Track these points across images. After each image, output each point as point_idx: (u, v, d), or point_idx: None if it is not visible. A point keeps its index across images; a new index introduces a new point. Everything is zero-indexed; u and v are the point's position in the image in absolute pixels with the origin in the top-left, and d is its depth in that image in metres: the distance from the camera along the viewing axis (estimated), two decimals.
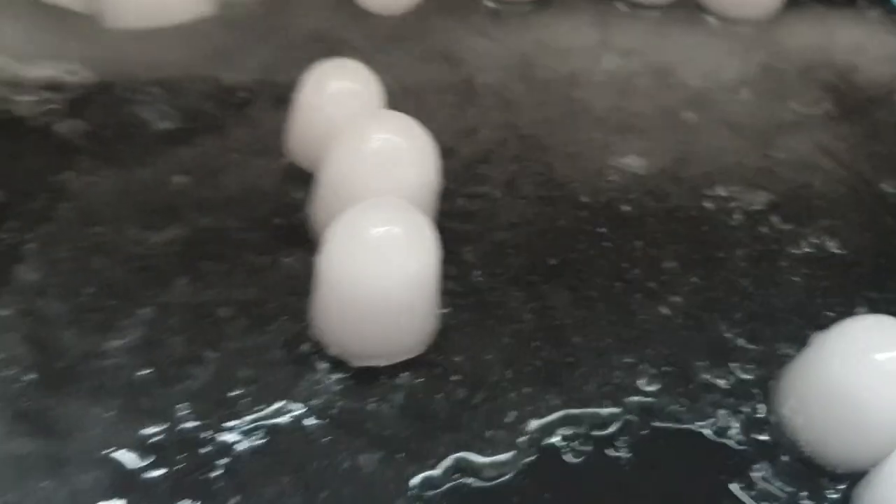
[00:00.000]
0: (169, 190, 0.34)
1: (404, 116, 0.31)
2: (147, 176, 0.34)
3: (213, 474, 0.26)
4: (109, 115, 0.36)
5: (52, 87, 0.37)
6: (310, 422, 0.27)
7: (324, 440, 0.27)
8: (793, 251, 0.34)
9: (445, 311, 0.31)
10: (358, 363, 0.29)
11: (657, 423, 0.28)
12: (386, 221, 0.27)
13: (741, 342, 0.31)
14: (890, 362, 0.26)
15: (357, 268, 0.27)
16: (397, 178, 0.29)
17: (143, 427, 0.27)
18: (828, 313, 0.32)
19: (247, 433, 0.27)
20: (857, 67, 0.43)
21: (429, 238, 0.28)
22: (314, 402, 0.28)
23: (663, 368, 0.30)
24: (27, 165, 0.34)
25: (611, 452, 0.27)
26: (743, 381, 0.30)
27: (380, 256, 0.27)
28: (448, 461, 0.27)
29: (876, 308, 0.32)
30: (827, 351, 0.27)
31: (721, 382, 0.29)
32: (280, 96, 0.37)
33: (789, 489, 0.27)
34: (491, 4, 0.44)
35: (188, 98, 0.37)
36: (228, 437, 0.27)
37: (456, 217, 0.34)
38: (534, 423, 0.28)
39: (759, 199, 0.36)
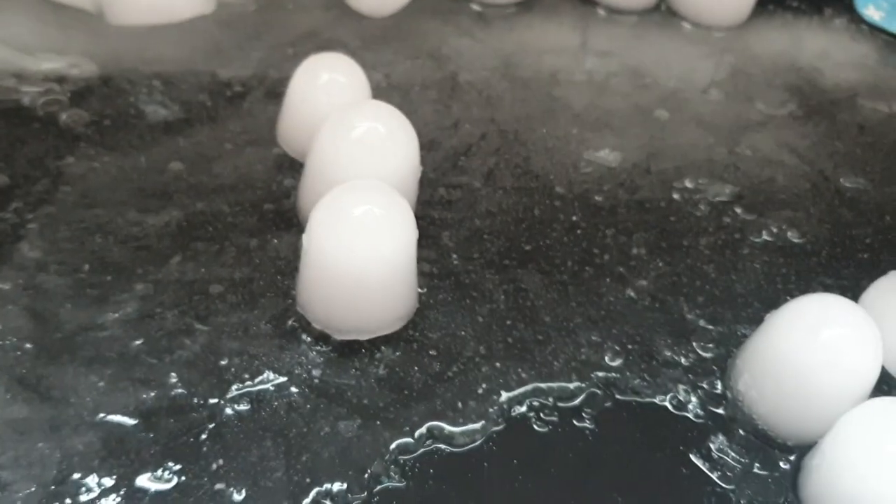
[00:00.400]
0: (165, 176, 0.35)
1: (386, 105, 0.32)
2: (144, 162, 0.36)
3: (201, 438, 0.27)
4: (110, 105, 0.38)
5: (56, 79, 0.38)
6: (293, 390, 0.29)
7: (306, 408, 0.28)
8: (754, 240, 0.36)
9: (423, 290, 0.32)
10: (340, 337, 0.30)
11: (620, 397, 0.30)
12: (367, 202, 0.29)
13: (702, 323, 0.32)
14: (834, 338, 0.27)
15: (339, 245, 0.28)
16: (379, 163, 0.31)
17: (136, 394, 0.28)
18: (785, 297, 0.33)
19: (233, 400, 0.28)
20: (822, 72, 0.45)
21: (407, 218, 0.29)
22: (298, 372, 0.29)
23: (628, 346, 0.31)
24: (30, 151, 0.36)
25: (576, 423, 0.29)
26: (703, 358, 0.31)
27: (361, 235, 0.28)
28: (422, 429, 0.28)
29: (831, 293, 0.34)
30: (777, 328, 0.28)
31: (682, 360, 0.31)
32: (272, 90, 0.39)
33: (744, 460, 0.29)
34: (476, 7, 0.45)
35: (185, 91, 0.39)
36: (215, 404, 0.28)
37: (437, 205, 0.36)
38: (504, 395, 0.29)
39: (725, 192, 0.38)
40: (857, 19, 0.48)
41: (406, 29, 0.43)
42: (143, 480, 0.26)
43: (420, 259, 0.33)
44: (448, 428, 0.28)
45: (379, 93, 0.37)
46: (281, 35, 0.42)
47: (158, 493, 0.26)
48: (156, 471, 0.27)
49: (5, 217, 0.33)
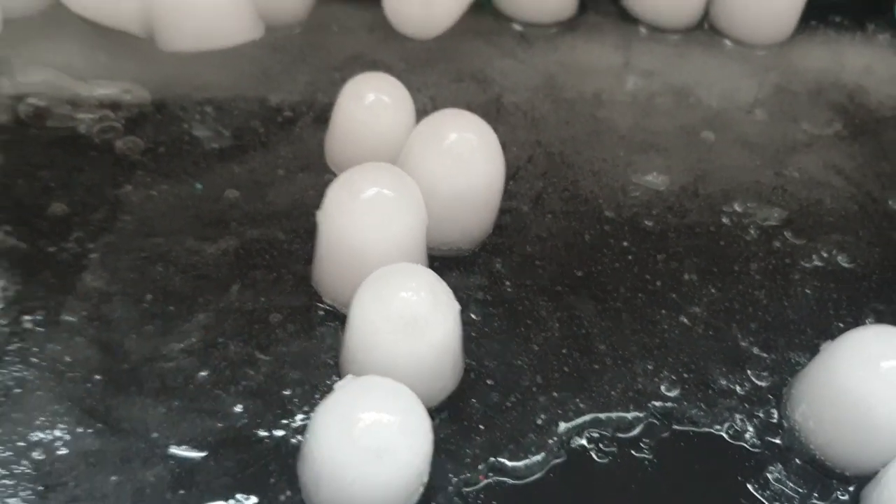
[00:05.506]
0: (221, 203, 0.36)
1: (473, 115, 0.33)
2: (200, 190, 0.36)
3: (269, 469, 0.28)
4: (164, 132, 0.38)
5: (110, 105, 0.39)
6: None
7: None
8: (805, 265, 0.36)
9: (478, 318, 0.33)
10: None
11: (678, 427, 0.30)
12: (376, 183, 0.30)
13: (756, 350, 0.33)
14: (894, 370, 0.28)
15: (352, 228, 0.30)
16: (468, 174, 0.32)
17: (202, 425, 0.29)
18: (837, 324, 0.34)
19: (298, 430, 0.29)
20: (867, 89, 0.44)
21: (416, 199, 0.30)
22: None
23: (684, 375, 0.32)
24: (88, 180, 0.36)
25: (635, 454, 0.30)
26: (758, 387, 0.32)
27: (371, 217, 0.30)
28: (484, 462, 0.29)
29: (883, 319, 0.34)
30: (836, 359, 0.29)
31: (737, 389, 0.31)
32: (321, 115, 0.40)
33: (801, 490, 0.29)
34: (519, 28, 0.46)
35: (237, 117, 0.39)
36: (281, 436, 0.29)
37: None
38: (562, 426, 0.30)
39: (773, 216, 0.38)
40: None
41: (450, 51, 0.43)
42: None
43: (473, 286, 0.34)
44: (509, 460, 0.29)
45: (424, 116, 0.37)
46: (327, 58, 0.42)
47: None
48: (226, 502, 0.27)
49: (67, 247, 0.34)
